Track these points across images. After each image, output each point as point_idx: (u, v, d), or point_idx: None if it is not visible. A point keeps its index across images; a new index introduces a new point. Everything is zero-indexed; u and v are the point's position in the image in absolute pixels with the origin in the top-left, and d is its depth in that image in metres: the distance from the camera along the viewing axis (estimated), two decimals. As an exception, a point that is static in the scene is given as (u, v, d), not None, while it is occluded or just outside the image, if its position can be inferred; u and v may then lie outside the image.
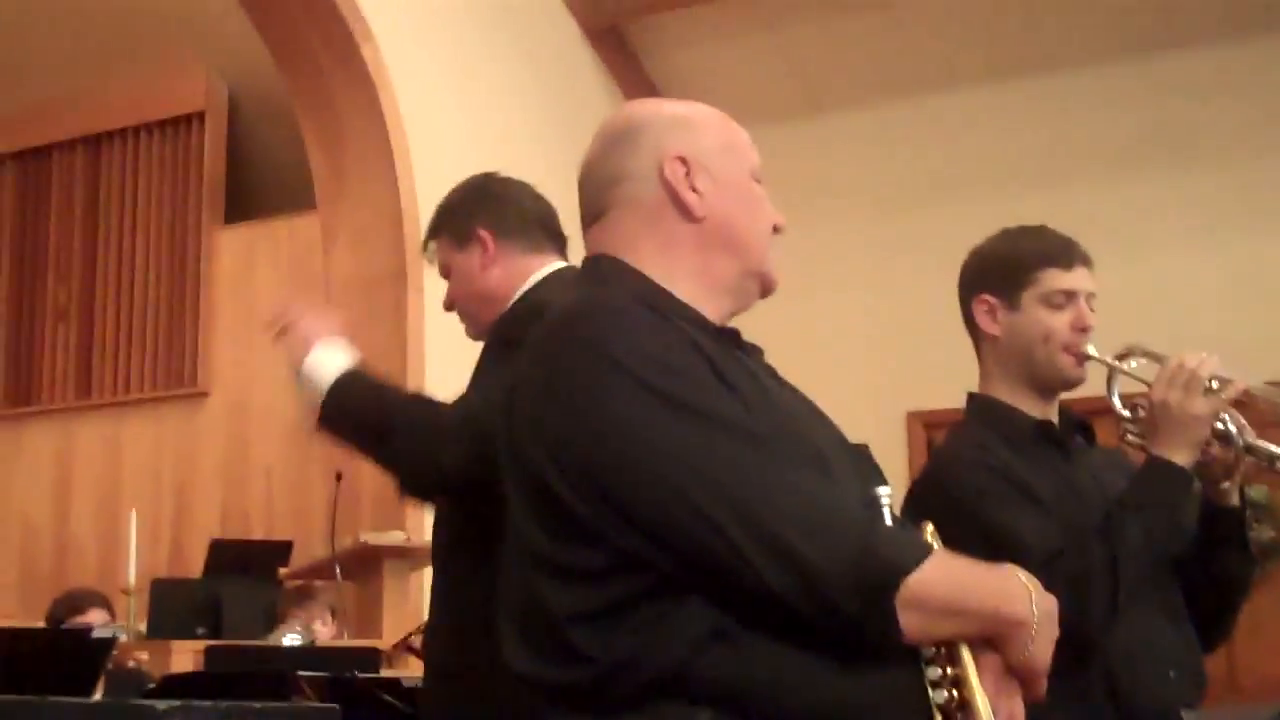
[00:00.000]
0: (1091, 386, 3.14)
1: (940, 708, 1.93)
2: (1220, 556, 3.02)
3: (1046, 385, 3.07)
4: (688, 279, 2.17)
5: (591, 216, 2.25)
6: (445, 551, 3.10)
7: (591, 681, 1.93)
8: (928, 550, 1.95)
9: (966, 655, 1.95)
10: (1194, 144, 8.45)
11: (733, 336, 2.17)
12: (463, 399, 3.00)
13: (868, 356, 8.97)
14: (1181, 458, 2.87)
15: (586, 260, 2.26)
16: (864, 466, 2.14)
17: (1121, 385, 3.15)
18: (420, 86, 7.89)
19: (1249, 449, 2.93)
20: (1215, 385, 2.89)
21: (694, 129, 2.23)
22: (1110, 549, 2.80)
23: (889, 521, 2.04)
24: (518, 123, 8.16)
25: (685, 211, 2.18)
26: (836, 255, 9.21)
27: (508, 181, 3.27)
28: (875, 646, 1.91)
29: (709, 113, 2.28)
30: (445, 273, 3.22)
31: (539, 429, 2.00)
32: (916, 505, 3.00)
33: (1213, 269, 8.17)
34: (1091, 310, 3.05)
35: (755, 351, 2.21)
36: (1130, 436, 3.07)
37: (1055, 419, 3.10)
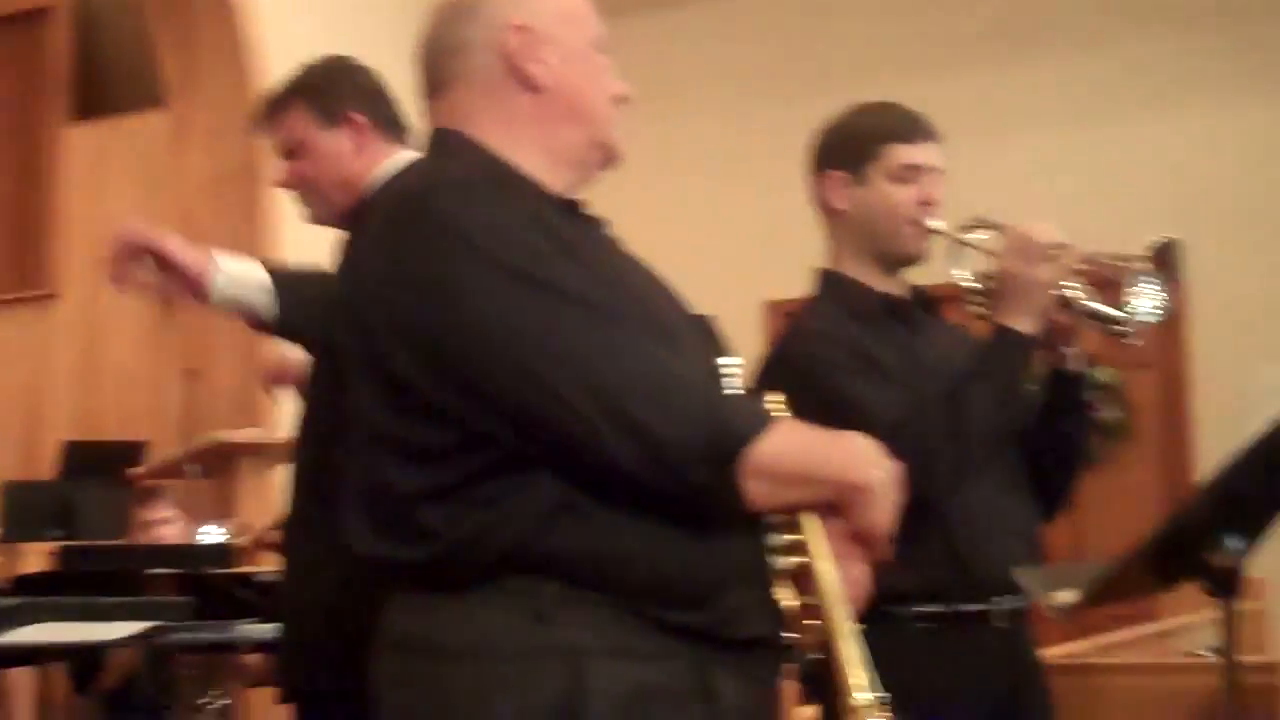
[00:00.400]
0: (941, 272, 3.17)
1: (785, 574, 1.96)
2: (1063, 422, 3.07)
3: (892, 259, 3.08)
4: (531, 150, 2.14)
5: (432, 89, 2.21)
6: (320, 441, 3.02)
7: (439, 558, 1.93)
8: (773, 419, 1.96)
9: (811, 521, 1.97)
10: (1038, 34, 8.54)
11: (578, 207, 2.15)
12: None
13: (725, 246, 8.99)
14: (1025, 325, 2.89)
15: (430, 134, 2.23)
16: (710, 337, 2.14)
17: (967, 260, 3.18)
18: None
19: (1089, 313, 2.98)
20: (1057, 252, 2.93)
21: None
22: (955, 416, 2.84)
23: (735, 392, 2.05)
24: (369, 12, 8.05)
25: (526, 81, 2.15)
26: (694, 144, 9.21)
27: (369, 70, 3.19)
28: (722, 515, 1.92)
29: None
30: (293, 148, 3.10)
31: (383, 308, 1.98)
32: (766, 379, 3.02)
33: (1060, 155, 8.28)
34: (938, 186, 3.07)
35: (601, 223, 2.19)
36: (975, 308, 3.10)
37: (903, 294, 3.13)
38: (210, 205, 7.77)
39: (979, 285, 3.08)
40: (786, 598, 1.96)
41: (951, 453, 2.83)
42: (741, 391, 2.07)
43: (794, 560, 1.96)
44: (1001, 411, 2.90)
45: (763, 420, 1.94)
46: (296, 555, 3.09)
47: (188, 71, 7.86)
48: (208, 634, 4.26)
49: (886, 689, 2.86)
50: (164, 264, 3.11)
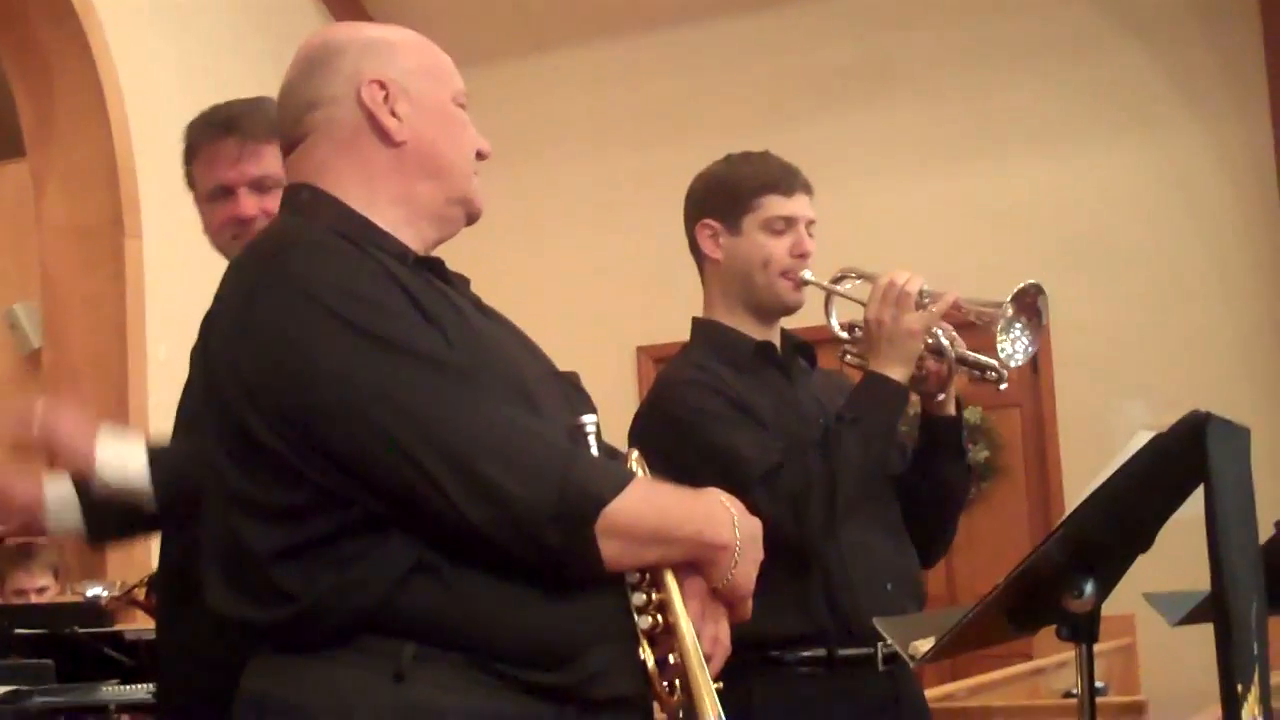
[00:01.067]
0: (816, 315, 3.22)
1: (645, 633, 1.96)
2: (939, 466, 3.13)
3: (766, 309, 3.13)
4: (389, 206, 2.13)
5: (290, 142, 2.19)
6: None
7: (295, 619, 1.92)
8: (628, 478, 1.96)
9: (671, 580, 1.97)
10: (897, 78, 8.64)
11: (435, 266, 2.14)
12: None
13: (596, 292, 9.00)
14: (897, 373, 2.96)
15: (286, 189, 2.20)
16: (572, 395, 2.14)
17: (840, 309, 3.23)
18: (129, 26, 7.66)
19: (961, 360, 3.04)
20: (927, 300, 2.98)
21: (393, 52, 2.18)
22: (828, 461, 2.88)
23: (594, 449, 2.05)
24: (231, 61, 7.97)
25: (384, 136, 2.13)
26: (563, 193, 9.22)
27: None
28: (579, 575, 1.92)
29: (409, 36, 2.24)
30: (268, 183, 2.88)
31: (235, 368, 1.96)
32: (641, 428, 3.08)
33: (919, 198, 8.38)
34: (810, 236, 3.11)
35: (460, 281, 2.19)
36: (850, 357, 3.15)
37: (777, 342, 3.16)
38: (72, 256, 7.63)
39: (852, 336, 3.12)
40: (648, 656, 1.96)
41: (824, 497, 2.86)
42: (599, 452, 2.06)
43: (656, 619, 1.96)
44: (872, 456, 2.94)
45: (619, 480, 1.94)
46: (166, 611, 3.03)
47: (45, 119, 7.72)
48: (72, 696, 4.17)
49: None
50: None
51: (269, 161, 2.88)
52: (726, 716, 2.95)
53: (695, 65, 9.04)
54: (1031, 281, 2.97)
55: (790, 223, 3.09)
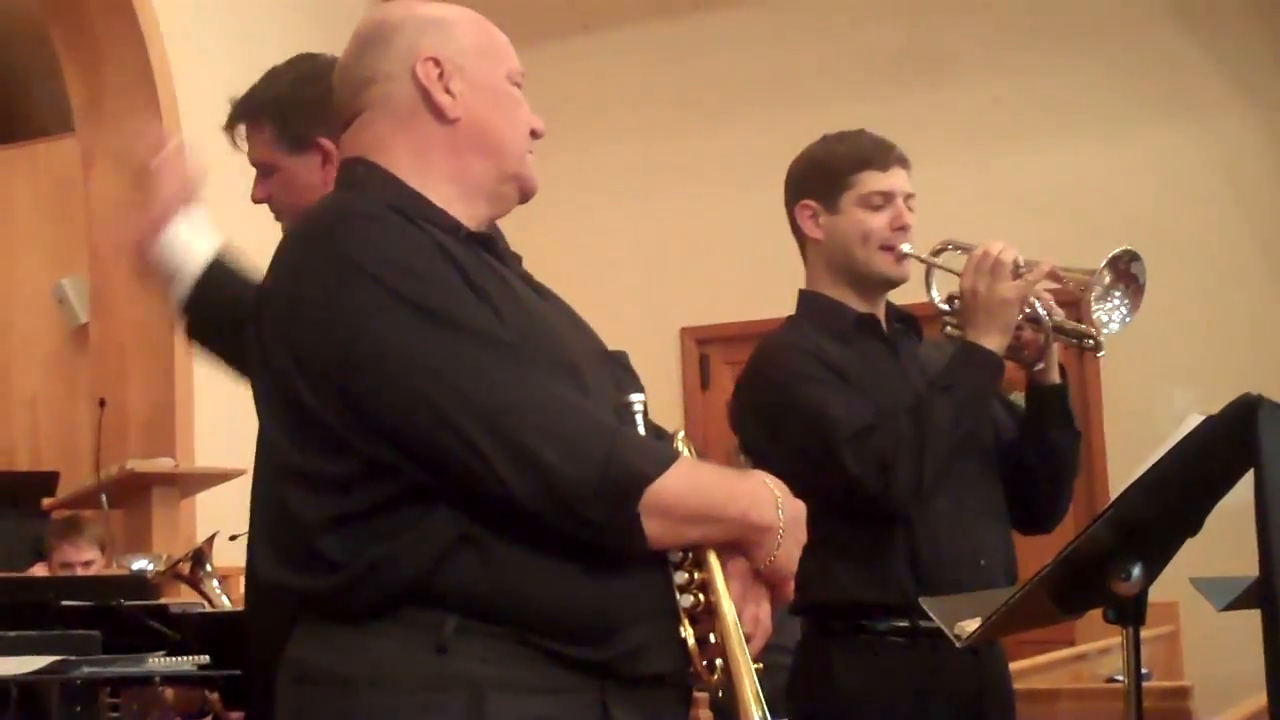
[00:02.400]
0: (922, 291, 3.25)
1: (687, 611, 1.97)
2: (1047, 434, 3.14)
3: (869, 284, 3.15)
4: (442, 182, 2.14)
5: (346, 118, 2.22)
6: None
7: (339, 588, 1.93)
8: (673, 457, 1.97)
9: (713, 560, 1.98)
10: (944, 59, 8.61)
11: (488, 242, 2.15)
12: None
13: (642, 274, 9.01)
14: (992, 342, 2.99)
15: (341, 163, 2.23)
16: (620, 374, 2.16)
17: (941, 282, 3.25)
18: (178, 3, 7.69)
19: (1058, 329, 3.06)
20: (1023, 270, 3.00)
21: (448, 30, 2.19)
22: (918, 426, 2.90)
23: (641, 427, 2.06)
24: (280, 38, 7.99)
25: (438, 113, 2.15)
26: (610, 173, 9.21)
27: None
28: (621, 552, 1.93)
29: (466, 14, 2.24)
30: (263, 168, 2.94)
31: (287, 339, 1.98)
32: (740, 393, 3.15)
33: (969, 180, 8.34)
34: (910, 210, 3.14)
35: (513, 258, 2.20)
36: (950, 329, 3.17)
37: (881, 315, 3.19)
38: (119, 232, 7.68)
39: (952, 308, 3.14)
40: (689, 634, 1.96)
41: (912, 462, 2.88)
42: (646, 431, 2.07)
43: (698, 597, 1.97)
44: (964, 425, 2.96)
45: (664, 458, 1.95)
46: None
47: (95, 97, 7.77)
48: (119, 668, 4.20)
49: (857, 701, 2.92)
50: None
51: (257, 148, 2.93)
52: (808, 681, 3.01)
53: (743, 46, 9.02)
54: (1126, 248, 2.98)
55: (888, 197, 3.11)
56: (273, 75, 3.01)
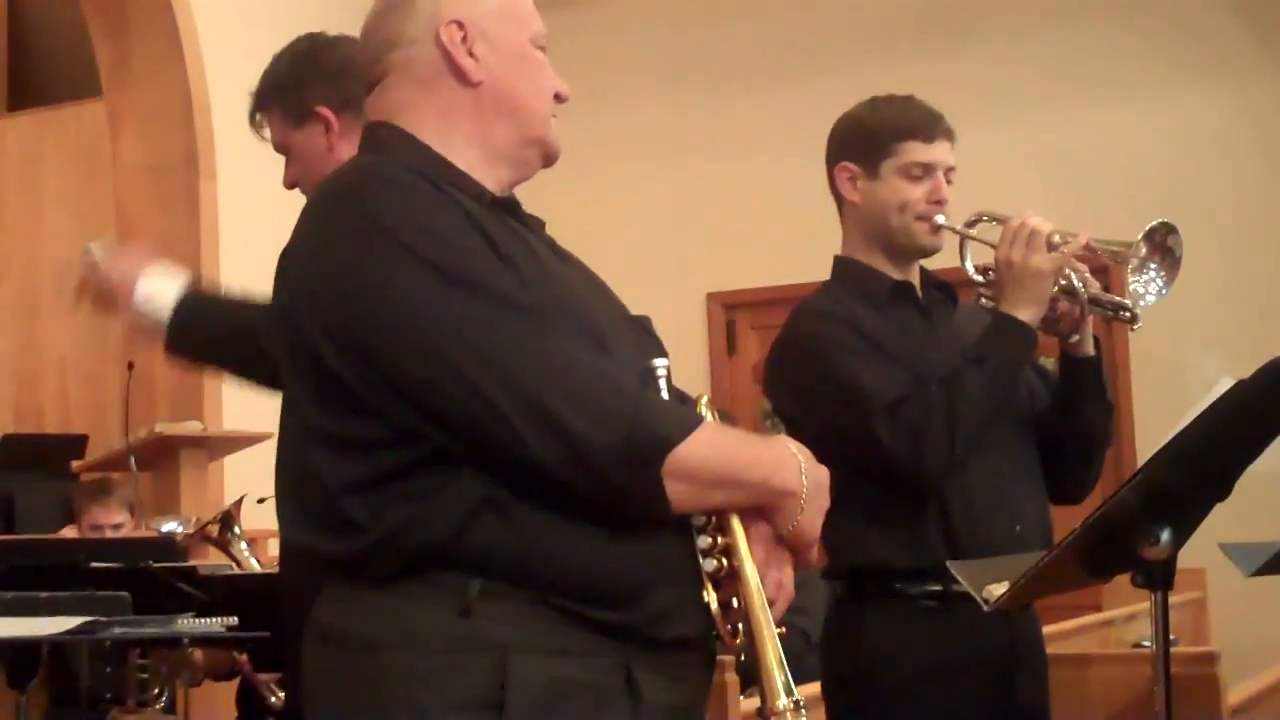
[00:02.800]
0: (956, 258, 3.24)
1: (710, 575, 1.96)
2: (1081, 405, 3.13)
3: (903, 252, 3.14)
4: (466, 147, 2.13)
5: (370, 82, 2.21)
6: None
7: (364, 551, 1.94)
8: (696, 422, 1.96)
9: (736, 524, 1.98)
10: (974, 22, 8.57)
11: (510, 206, 2.14)
12: None
13: (668, 238, 8.99)
14: (1027, 314, 2.97)
15: (365, 127, 2.22)
16: (644, 339, 2.15)
17: (976, 253, 3.24)
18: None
19: (1094, 301, 3.04)
20: (1058, 241, 2.98)
21: None
22: (951, 397, 2.89)
23: (665, 392, 2.06)
24: (308, 4, 7.99)
25: (461, 77, 2.14)
26: (636, 137, 9.20)
27: (335, 43, 3.11)
28: (644, 516, 1.93)
29: None
30: (282, 150, 3.09)
31: (311, 301, 1.98)
32: (773, 359, 3.13)
33: (1000, 144, 8.28)
34: (949, 183, 3.12)
35: (536, 223, 2.19)
36: (984, 300, 3.16)
37: (916, 282, 3.18)
38: (147, 195, 7.71)
39: (986, 279, 3.13)
40: (712, 599, 1.96)
41: (944, 433, 2.88)
42: (670, 396, 2.07)
43: (721, 562, 1.97)
44: (996, 396, 2.95)
45: (687, 423, 1.94)
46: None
47: (122, 60, 7.78)
48: (148, 629, 4.22)
49: (889, 663, 2.91)
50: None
51: (273, 133, 3.10)
52: (840, 644, 3.01)
53: (771, 9, 8.98)
54: (1163, 220, 2.97)
55: (929, 169, 3.09)
56: (274, 62, 3.13)
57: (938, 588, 2.93)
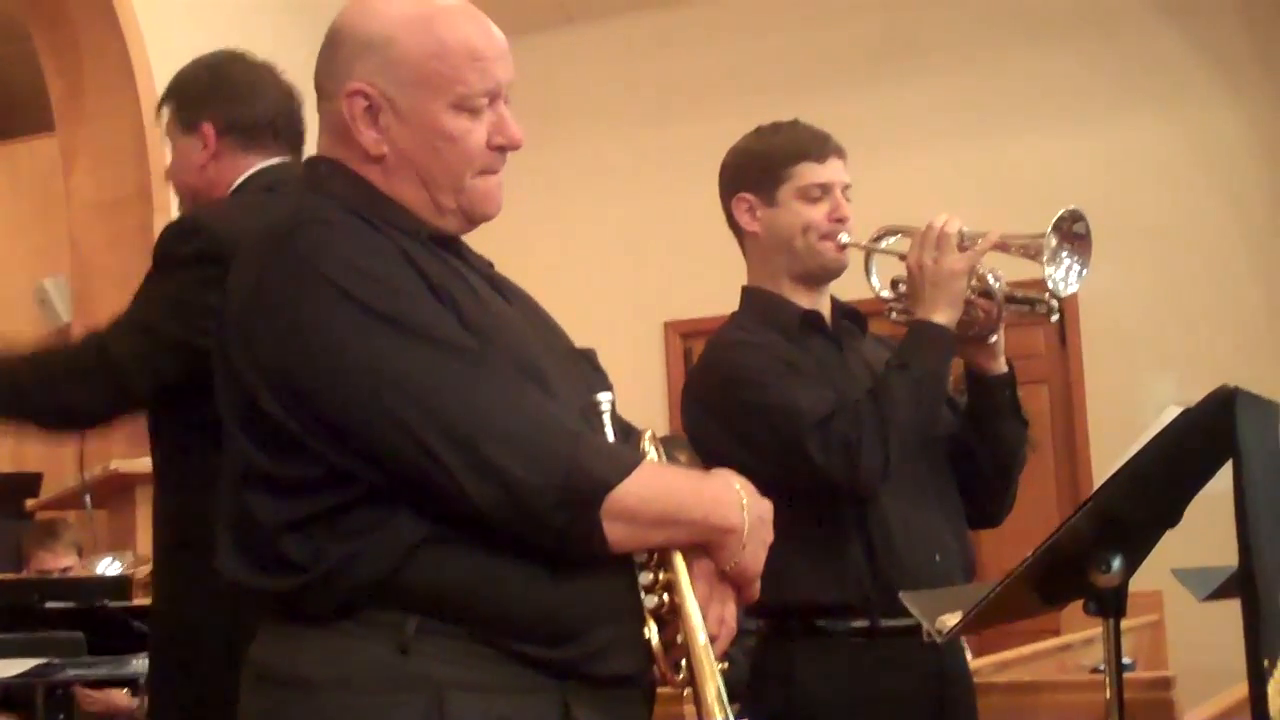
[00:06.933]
0: (866, 287, 3.23)
1: (652, 612, 1.97)
2: (994, 424, 3.11)
3: (811, 275, 3.12)
4: (405, 185, 2.11)
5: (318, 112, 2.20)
6: (159, 472, 3.07)
7: (303, 589, 1.93)
8: (635, 462, 1.96)
9: (679, 561, 1.98)
10: (921, 49, 8.63)
11: (449, 243, 2.13)
12: (118, 321, 2.99)
13: (625, 267, 9.00)
14: (944, 317, 2.95)
15: (306, 161, 2.23)
16: (588, 372, 2.15)
17: (883, 270, 3.23)
18: (158, 1, 7.67)
19: (1010, 298, 3.03)
20: (968, 242, 2.97)
21: (389, 51, 2.08)
22: (879, 406, 2.87)
23: (609, 427, 2.06)
24: (260, 37, 7.97)
25: (361, 150, 2.10)
26: (592, 167, 9.21)
27: (253, 69, 3.13)
28: (584, 556, 1.92)
29: (415, 30, 2.09)
30: (171, 144, 3.16)
31: (248, 345, 1.97)
32: (692, 393, 3.11)
33: (950, 170, 8.34)
34: (847, 200, 3.10)
35: (480, 261, 2.18)
36: (896, 315, 3.14)
37: (825, 311, 3.16)
38: (100, 231, 7.66)
39: (896, 293, 3.12)
40: (654, 635, 1.96)
41: (877, 442, 2.85)
42: (614, 429, 2.07)
43: (663, 598, 1.97)
44: (924, 403, 2.93)
45: (626, 464, 1.94)
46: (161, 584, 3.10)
47: (74, 95, 7.75)
48: (102, 669, 4.20)
49: (820, 702, 2.90)
50: None
51: (168, 128, 3.14)
52: (769, 684, 3.00)
53: (723, 39, 9.02)
54: (1070, 208, 2.95)
55: (826, 189, 3.08)
56: (191, 63, 3.19)
57: (865, 623, 2.92)
